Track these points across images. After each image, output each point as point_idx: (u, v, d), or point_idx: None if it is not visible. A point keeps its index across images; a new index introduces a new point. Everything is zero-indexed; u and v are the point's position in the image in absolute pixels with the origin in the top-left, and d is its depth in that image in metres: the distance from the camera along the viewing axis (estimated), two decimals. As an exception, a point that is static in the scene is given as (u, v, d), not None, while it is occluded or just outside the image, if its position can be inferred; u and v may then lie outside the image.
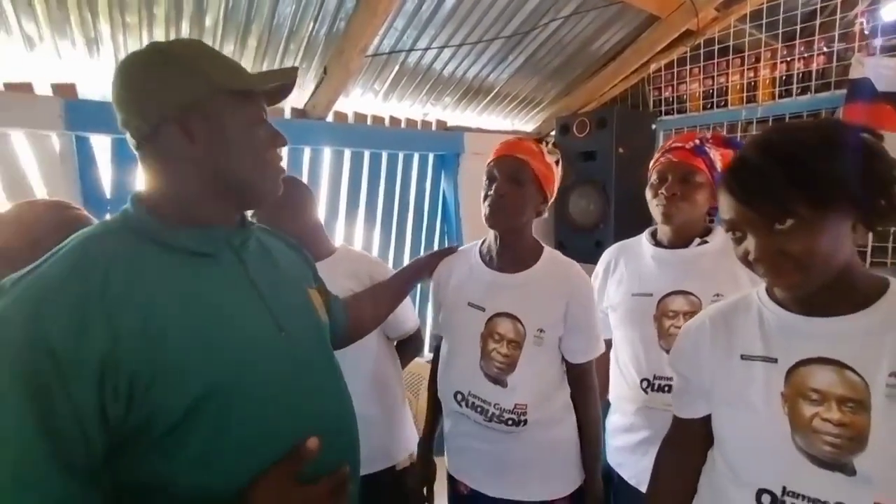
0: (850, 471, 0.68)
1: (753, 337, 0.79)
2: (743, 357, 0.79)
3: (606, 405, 1.39)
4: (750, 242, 0.72)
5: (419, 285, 1.60)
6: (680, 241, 1.27)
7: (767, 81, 2.46)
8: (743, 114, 2.49)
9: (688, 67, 2.67)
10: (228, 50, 1.79)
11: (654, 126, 2.74)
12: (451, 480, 1.28)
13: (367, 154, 2.42)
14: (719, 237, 1.24)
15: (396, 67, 2.20)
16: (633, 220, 1.95)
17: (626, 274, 1.34)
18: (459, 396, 1.18)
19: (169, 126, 0.67)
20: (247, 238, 0.78)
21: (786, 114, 2.35)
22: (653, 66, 2.72)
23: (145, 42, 1.59)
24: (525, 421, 1.13)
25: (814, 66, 2.32)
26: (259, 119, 0.74)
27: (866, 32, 2.18)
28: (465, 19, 2.07)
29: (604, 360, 1.30)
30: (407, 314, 1.44)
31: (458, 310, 1.21)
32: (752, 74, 2.50)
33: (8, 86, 1.54)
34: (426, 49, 2.15)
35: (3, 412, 0.54)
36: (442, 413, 1.30)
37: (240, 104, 0.71)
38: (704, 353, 0.84)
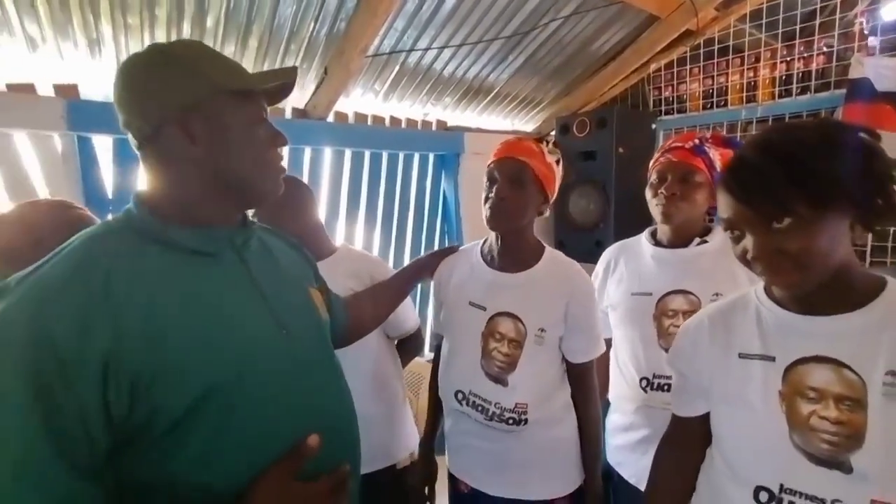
0: (847, 468, 0.68)
1: (751, 335, 0.79)
2: (741, 355, 0.79)
3: (606, 404, 1.40)
4: (748, 241, 0.72)
5: (420, 285, 1.60)
6: (679, 240, 1.27)
7: (767, 81, 2.46)
8: (743, 114, 2.49)
9: (688, 67, 2.67)
10: (229, 51, 1.79)
11: (654, 126, 2.74)
12: (452, 479, 1.28)
13: (367, 154, 2.42)
14: (719, 237, 1.24)
15: (397, 68, 2.21)
16: (633, 220, 1.95)
17: (625, 273, 1.34)
18: (460, 395, 1.19)
19: (170, 126, 0.68)
20: (248, 237, 0.78)
21: (785, 113, 2.35)
22: (653, 66, 2.72)
23: (147, 43, 1.61)
24: (525, 420, 1.13)
25: (813, 66, 2.32)
26: (259, 119, 0.75)
27: (866, 32, 2.18)
28: (465, 19, 2.07)
29: (604, 359, 1.30)
30: (407, 313, 1.45)
31: (460, 309, 1.21)
32: (751, 74, 2.49)
33: (10, 86, 1.54)
34: (426, 49, 2.15)
35: (6, 412, 0.54)
36: (443, 412, 1.31)
37: (240, 104, 0.72)
38: (703, 352, 0.85)
